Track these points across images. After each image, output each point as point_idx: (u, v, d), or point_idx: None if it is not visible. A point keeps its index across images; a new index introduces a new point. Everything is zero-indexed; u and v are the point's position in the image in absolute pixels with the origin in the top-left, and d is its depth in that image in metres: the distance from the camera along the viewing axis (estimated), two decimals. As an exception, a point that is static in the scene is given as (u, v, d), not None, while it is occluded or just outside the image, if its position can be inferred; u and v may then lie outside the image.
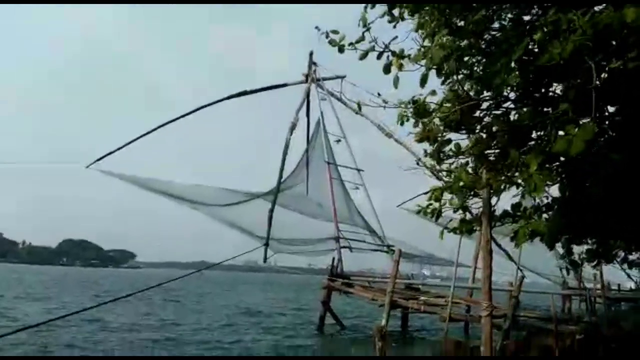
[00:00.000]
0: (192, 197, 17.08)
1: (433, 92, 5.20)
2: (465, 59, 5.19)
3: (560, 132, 5.08)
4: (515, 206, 6.83)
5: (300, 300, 40.93)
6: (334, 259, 17.75)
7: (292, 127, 17.63)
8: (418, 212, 6.92)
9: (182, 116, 17.61)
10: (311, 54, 20.48)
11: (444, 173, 7.62)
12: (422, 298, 16.43)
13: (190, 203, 16.84)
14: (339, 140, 20.15)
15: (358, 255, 18.36)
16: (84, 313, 17.30)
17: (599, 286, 21.38)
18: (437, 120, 5.76)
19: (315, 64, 20.44)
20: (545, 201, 6.71)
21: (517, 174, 6.12)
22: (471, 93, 5.63)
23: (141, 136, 17.26)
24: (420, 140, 5.44)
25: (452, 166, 7.36)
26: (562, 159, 5.37)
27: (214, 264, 14.23)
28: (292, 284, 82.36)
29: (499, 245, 15.89)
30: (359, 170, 19.46)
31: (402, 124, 5.86)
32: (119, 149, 17.18)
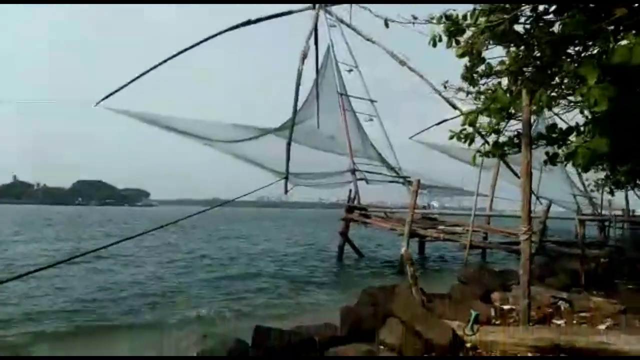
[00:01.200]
0: (203, 133, 16.76)
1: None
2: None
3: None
4: (550, 127, 6.49)
5: (318, 234, 41.53)
6: (350, 191, 17.67)
7: (303, 57, 16.90)
8: (451, 138, 6.62)
9: (185, 50, 16.95)
10: (319, -23, 19.35)
11: (472, 95, 7.25)
12: (441, 227, 16.47)
13: (202, 139, 16.55)
14: (350, 70, 19.46)
15: (370, 189, 18.28)
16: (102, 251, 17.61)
17: (615, 212, 21.38)
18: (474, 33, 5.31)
19: (323, -12, 19.35)
20: (584, 121, 6.36)
21: (565, 89, 5.73)
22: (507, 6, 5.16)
23: (146, 72, 16.66)
24: (461, 55, 5.01)
25: (483, 88, 6.98)
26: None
27: (230, 200, 14.05)
28: (308, 219, 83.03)
29: (516, 174, 15.66)
30: (372, 101, 18.96)
31: (434, 44, 5.41)
32: (124, 85, 16.70)
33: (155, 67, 15.68)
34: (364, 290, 7.23)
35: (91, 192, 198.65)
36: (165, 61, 15.91)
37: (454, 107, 15.65)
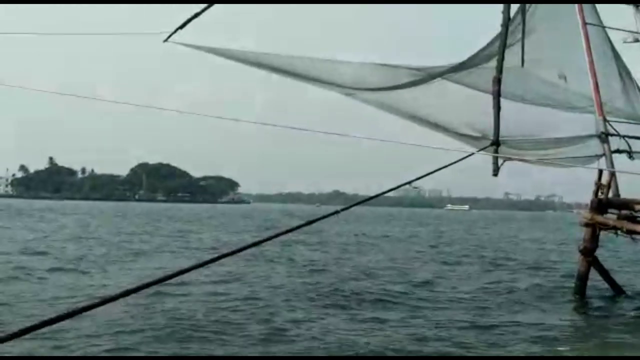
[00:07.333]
0: (332, 77, 9.74)
1: None
2: None
3: None
4: None
5: (535, 240, 31.28)
6: (600, 173, 9.53)
7: None
8: None
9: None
10: None
11: None
12: None
13: (338, 87, 9.58)
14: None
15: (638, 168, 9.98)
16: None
17: None
18: None
19: None
20: None
21: None
22: None
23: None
24: None
25: None
26: None
27: (385, 192, 7.94)
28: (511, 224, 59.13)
29: None
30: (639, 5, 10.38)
31: None
32: (204, 9, 10.07)
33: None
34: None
35: (156, 181, 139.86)
36: None
37: None
